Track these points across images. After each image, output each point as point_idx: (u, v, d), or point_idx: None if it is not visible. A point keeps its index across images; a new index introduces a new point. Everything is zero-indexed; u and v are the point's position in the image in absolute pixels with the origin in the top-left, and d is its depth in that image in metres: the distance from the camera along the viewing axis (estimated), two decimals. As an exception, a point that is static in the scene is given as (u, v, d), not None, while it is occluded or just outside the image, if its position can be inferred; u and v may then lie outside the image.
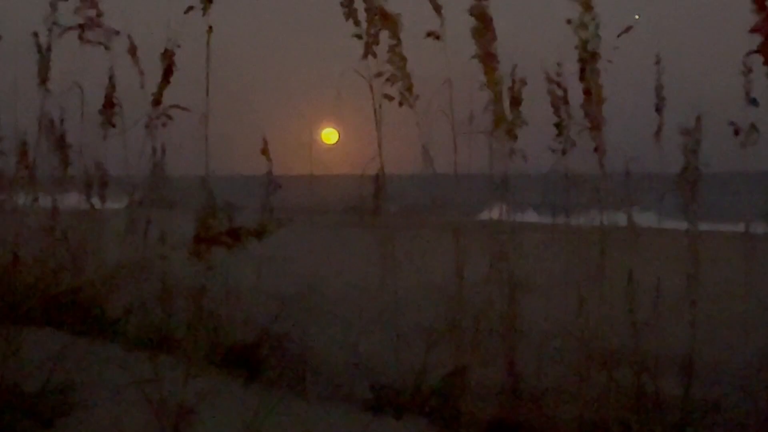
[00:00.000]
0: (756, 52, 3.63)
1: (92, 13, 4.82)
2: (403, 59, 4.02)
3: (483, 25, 3.91)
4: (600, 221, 3.96)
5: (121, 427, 3.53)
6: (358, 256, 4.48)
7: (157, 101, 4.41)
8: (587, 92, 3.79)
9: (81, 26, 4.84)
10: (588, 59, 3.74)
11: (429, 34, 3.96)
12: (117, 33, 4.84)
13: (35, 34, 5.10)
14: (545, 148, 4.17)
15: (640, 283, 3.83)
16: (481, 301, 4.01)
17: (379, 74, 4.03)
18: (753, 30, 3.59)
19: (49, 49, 5.13)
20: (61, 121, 5.37)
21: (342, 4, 4.05)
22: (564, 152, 4.10)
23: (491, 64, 3.97)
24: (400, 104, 4.03)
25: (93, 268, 5.18)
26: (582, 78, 3.80)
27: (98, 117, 5.14)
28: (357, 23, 4.06)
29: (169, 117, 4.40)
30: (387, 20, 3.98)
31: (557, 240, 4.16)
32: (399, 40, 4.00)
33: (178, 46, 4.48)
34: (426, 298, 4.06)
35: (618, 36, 3.71)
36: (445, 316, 4.04)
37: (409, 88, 4.02)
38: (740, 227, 3.92)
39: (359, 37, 4.05)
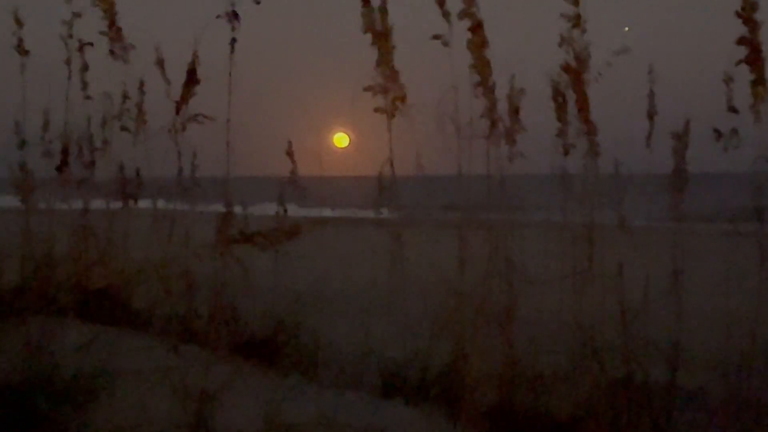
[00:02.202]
0: (743, 61, 3.66)
1: (111, 29, 4.83)
2: (395, 72, 3.99)
3: (474, 30, 3.89)
4: (593, 219, 3.98)
5: (147, 412, 3.56)
6: (366, 252, 4.48)
7: (179, 109, 4.43)
8: (579, 101, 3.82)
9: (109, 38, 4.85)
10: (578, 71, 3.77)
11: (435, 37, 3.91)
12: (133, 47, 4.86)
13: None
14: (544, 151, 4.18)
15: (630, 277, 3.83)
16: (481, 293, 4.00)
17: (368, 88, 3.98)
18: (739, 42, 3.62)
19: (68, 62, 5.20)
20: (104, 125, 5.41)
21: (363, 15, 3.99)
22: (566, 153, 4.10)
23: (485, 71, 3.97)
24: (393, 115, 4.00)
25: (121, 264, 5.20)
26: (574, 88, 3.84)
27: (126, 123, 5.19)
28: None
29: (198, 122, 4.41)
30: (377, 36, 3.94)
31: (553, 236, 4.17)
32: (390, 55, 3.95)
33: (198, 60, 4.50)
34: (431, 291, 4.07)
35: (616, 54, 3.73)
36: (448, 307, 4.04)
37: (402, 99, 3.98)
38: (724, 225, 3.94)
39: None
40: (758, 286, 3.69)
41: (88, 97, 5.21)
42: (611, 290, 3.84)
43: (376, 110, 4.02)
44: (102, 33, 4.81)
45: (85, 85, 5.20)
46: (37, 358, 3.70)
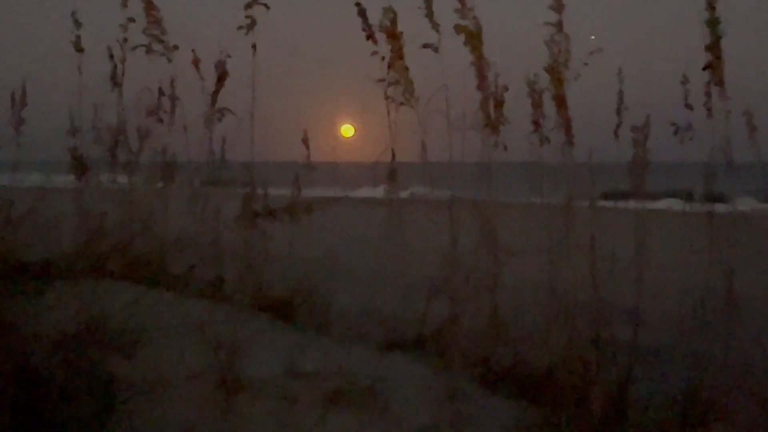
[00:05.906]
0: (708, 67, 3.73)
1: (157, 30, 4.91)
2: (405, 68, 4.06)
3: (475, 35, 3.96)
4: (568, 201, 4.05)
5: (184, 361, 3.64)
6: (371, 227, 4.54)
7: (213, 102, 4.51)
8: (558, 97, 3.89)
9: (148, 44, 4.95)
10: (559, 70, 3.84)
11: (426, 46, 3.98)
12: (176, 48, 4.94)
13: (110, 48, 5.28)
14: (525, 141, 4.23)
15: (599, 249, 3.87)
16: (470, 263, 4.05)
17: (381, 80, 4.07)
18: (708, 48, 3.68)
19: (123, 60, 5.30)
20: (152, 115, 5.48)
21: (363, 29, 4.09)
22: (541, 143, 4.16)
23: (483, 69, 4.04)
24: (402, 104, 4.07)
25: (162, 235, 5.26)
26: (554, 85, 3.90)
27: (162, 115, 5.28)
28: (375, 43, 4.11)
29: (223, 115, 4.49)
30: (391, 37, 4.03)
31: (533, 215, 4.22)
32: (402, 54, 4.04)
33: (229, 56, 4.57)
34: (426, 261, 4.13)
35: (590, 53, 3.79)
36: (441, 275, 4.06)
37: (411, 92, 4.06)
38: (679, 206, 3.98)
39: (375, 53, 4.11)
40: (707, 257, 3.75)
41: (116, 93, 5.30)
42: (583, 261, 3.89)
43: (387, 99, 4.08)
44: (150, 35, 4.87)
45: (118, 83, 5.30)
46: (89, 314, 3.75)
